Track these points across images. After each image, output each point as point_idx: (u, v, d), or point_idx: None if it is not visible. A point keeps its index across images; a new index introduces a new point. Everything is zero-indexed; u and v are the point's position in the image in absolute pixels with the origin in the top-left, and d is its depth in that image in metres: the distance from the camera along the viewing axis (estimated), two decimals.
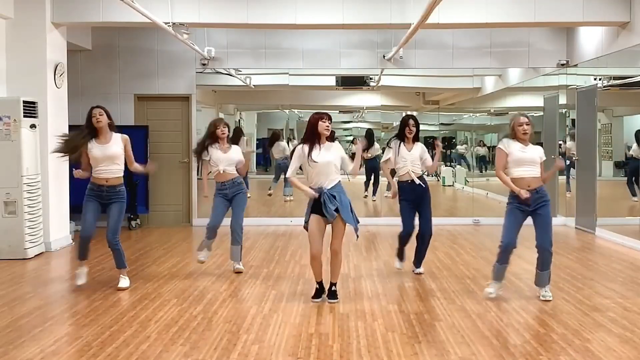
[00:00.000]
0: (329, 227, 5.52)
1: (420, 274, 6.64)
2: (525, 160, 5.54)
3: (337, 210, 5.41)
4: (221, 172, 6.69)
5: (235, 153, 6.77)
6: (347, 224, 5.47)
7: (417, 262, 6.70)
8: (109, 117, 5.97)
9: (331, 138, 5.69)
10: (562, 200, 10.73)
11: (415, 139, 6.54)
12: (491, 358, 4.17)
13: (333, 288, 5.62)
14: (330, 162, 5.46)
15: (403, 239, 6.60)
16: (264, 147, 11.99)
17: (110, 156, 5.90)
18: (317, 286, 5.64)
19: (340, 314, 5.23)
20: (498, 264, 5.73)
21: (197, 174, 10.82)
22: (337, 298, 5.58)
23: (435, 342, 4.51)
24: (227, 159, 6.71)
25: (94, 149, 5.90)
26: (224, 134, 6.74)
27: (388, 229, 10.02)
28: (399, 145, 6.50)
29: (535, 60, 10.67)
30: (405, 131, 6.49)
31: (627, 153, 9.36)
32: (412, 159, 6.44)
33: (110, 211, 5.99)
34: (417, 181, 6.44)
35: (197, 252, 6.96)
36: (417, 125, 6.52)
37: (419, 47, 10.52)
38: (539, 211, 5.60)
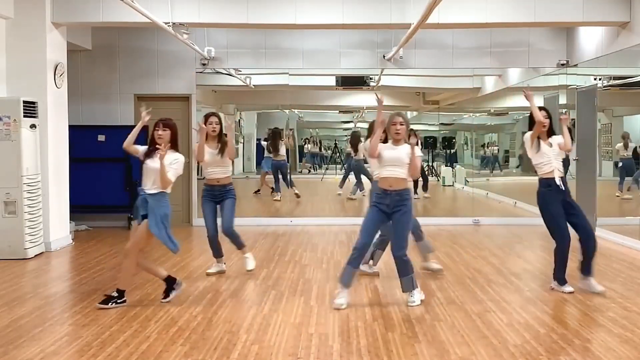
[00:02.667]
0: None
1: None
2: (392, 160, 5.43)
3: (145, 216, 5.43)
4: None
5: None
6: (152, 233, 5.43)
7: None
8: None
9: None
10: None
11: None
12: (491, 358, 4.17)
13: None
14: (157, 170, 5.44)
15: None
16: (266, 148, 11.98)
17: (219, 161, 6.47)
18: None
19: (340, 314, 5.23)
20: (350, 266, 5.46)
21: (197, 174, 10.83)
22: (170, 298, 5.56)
23: (435, 342, 4.51)
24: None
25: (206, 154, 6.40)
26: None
27: None
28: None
29: (535, 60, 10.67)
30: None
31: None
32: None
33: (225, 207, 6.54)
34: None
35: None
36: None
37: (419, 47, 10.52)
38: (396, 215, 5.42)
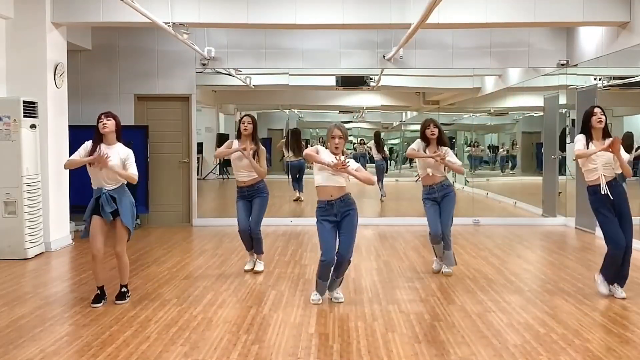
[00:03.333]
0: None
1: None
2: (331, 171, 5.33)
3: (115, 212, 5.44)
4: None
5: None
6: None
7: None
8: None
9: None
10: (561, 199, 10.73)
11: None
12: (491, 358, 4.17)
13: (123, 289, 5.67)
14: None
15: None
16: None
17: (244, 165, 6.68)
18: (98, 291, 5.60)
19: (340, 314, 5.24)
20: (320, 280, 5.51)
21: (197, 174, 10.85)
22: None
23: (435, 342, 4.51)
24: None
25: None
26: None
27: (389, 229, 10.04)
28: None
29: (535, 60, 10.67)
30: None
31: None
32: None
33: (253, 205, 6.78)
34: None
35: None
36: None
37: (419, 47, 10.52)
38: (343, 222, 5.37)
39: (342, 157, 5.27)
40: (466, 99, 11.74)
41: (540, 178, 11.27)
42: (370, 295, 5.84)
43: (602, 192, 5.59)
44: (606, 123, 5.71)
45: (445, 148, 6.52)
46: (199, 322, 5.00)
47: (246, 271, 6.90)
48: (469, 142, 12.23)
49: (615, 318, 5.07)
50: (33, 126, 7.90)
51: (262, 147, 6.77)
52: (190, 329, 4.82)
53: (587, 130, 5.74)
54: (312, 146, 5.90)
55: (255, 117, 6.86)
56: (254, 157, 6.62)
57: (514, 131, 12.46)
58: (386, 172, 12.10)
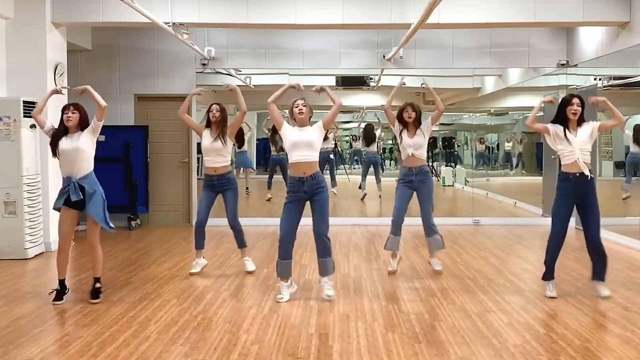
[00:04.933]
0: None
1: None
2: (301, 144, 5.44)
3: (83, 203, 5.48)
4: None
5: None
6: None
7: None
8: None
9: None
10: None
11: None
12: (491, 358, 4.17)
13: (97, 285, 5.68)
14: (78, 149, 5.47)
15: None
16: (265, 147, 11.95)
17: (217, 148, 6.59)
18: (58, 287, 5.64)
19: (340, 314, 5.24)
20: (280, 259, 5.60)
21: (197, 174, 10.83)
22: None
23: (435, 342, 4.51)
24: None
25: (205, 139, 6.64)
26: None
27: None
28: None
29: (535, 60, 10.67)
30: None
31: None
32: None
33: (227, 199, 6.67)
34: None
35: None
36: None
37: (419, 47, 10.52)
38: (315, 197, 5.49)
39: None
40: (466, 99, 11.74)
41: (540, 178, 11.28)
42: (370, 295, 5.84)
43: (577, 174, 5.51)
44: (582, 112, 5.65)
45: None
46: (199, 322, 5.00)
47: (192, 274, 6.70)
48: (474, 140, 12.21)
49: (615, 318, 5.07)
50: (33, 126, 7.90)
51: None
52: (190, 329, 4.82)
53: (562, 119, 5.65)
54: None
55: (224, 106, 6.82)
56: (223, 141, 6.58)
57: (514, 131, 12.46)
58: (382, 170, 12.08)
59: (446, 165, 12.90)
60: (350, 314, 5.23)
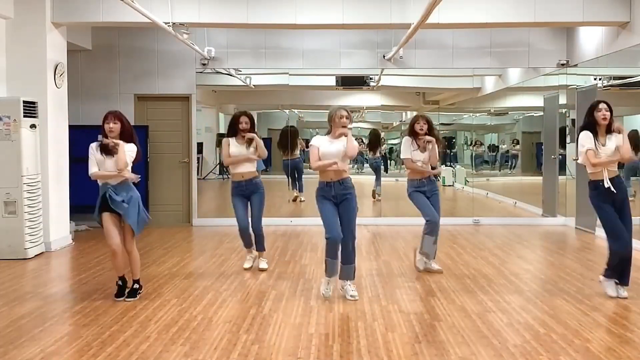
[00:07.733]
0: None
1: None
2: (330, 155, 5.56)
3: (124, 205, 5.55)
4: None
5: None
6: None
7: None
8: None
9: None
10: (562, 199, 10.73)
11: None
12: (491, 358, 4.17)
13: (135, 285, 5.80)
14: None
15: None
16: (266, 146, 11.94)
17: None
18: (120, 282, 5.75)
19: (340, 314, 5.24)
20: (330, 259, 5.64)
21: (197, 174, 10.84)
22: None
23: (435, 342, 4.51)
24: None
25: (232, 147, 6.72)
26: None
27: (388, 229, 10.04)
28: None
29: (535, 60, 10.67)
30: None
31: None
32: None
33: (253, 203, 6.81)
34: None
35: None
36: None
37: (419, 47, 10.52)
38: (342, 206, 5.61)
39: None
40: (466, 99, 11.74)
41: (540, 178, 11.28)
42: (370, 295, 5.84)
43: (605, 186, 5.47)
44: (611, 118, 5.53)
45: (431, 138, 6.60)
46: (199, 322, 5.00)
47: (246, 269, 6.92)
48: (470, 142, 12.22)
49: (615, 318, 5.07)
50: (33, 126, 7.90)
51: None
52: (190, 329, 4.82)
53: (591, 126, 5.57)
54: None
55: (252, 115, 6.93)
56: (250, 146, 6.73)
57: (514, 131, 12.47)
58: (386, 171, 12.10)
59: (446, 165, 12.91)
60: (350, 314, 5.23)
